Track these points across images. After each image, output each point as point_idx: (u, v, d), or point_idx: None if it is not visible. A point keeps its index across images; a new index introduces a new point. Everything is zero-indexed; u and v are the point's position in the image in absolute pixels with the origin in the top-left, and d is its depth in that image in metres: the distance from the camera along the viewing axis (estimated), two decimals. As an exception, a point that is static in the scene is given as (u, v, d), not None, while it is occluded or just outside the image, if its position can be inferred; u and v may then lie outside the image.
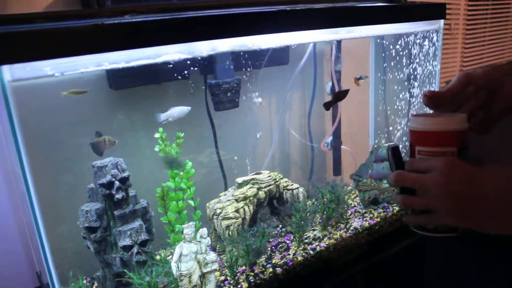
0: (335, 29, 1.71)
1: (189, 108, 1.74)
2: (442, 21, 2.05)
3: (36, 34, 1.11)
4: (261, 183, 1.90)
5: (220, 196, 1.93)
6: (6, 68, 1.12)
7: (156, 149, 1.70)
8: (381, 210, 2.13)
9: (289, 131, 2.33)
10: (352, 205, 2.21)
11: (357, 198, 2.25)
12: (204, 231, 1.61)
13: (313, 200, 2.12)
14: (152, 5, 1.57)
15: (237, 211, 1.79)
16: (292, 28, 1.55)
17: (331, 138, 2.29)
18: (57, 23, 1.36)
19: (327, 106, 2.00)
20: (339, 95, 2.00)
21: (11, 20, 1.25)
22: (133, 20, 1.33)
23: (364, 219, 2.06)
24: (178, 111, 1.73)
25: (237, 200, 1.82)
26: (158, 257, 1.66)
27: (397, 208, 2.13)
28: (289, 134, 2.34)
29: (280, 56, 2.10)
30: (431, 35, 2.12)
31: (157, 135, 1.68)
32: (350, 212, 2.12)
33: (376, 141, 2.42)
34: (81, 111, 1.74)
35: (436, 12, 2.01)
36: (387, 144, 2.18)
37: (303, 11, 1.59)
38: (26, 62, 1.11)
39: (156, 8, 1.54)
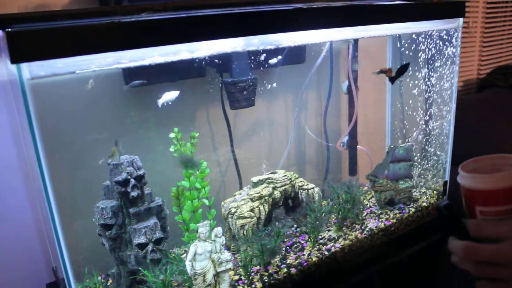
0: (352, 28, 1.68)
1: (178, 92, 1.71)
2: (461, 19, 2.02)
3: (54, 31, 1.11)
4: (276, 183, 1.89)
5: (235, 195, 1.92)
6: (24, 66, 1.12)
7: (171, 149, 1.70)
8: (397, 211, 2.11)
9: (304, 130, 2.32)
10: (368, 205, 2.19)
11: (373, 198, 2.23)
12: (219, 230, 1.60)
13: (329, 200, 2.11)
14: (168, 3, 1.56)
15: (252, 210, 1.78)
16: (309, 26, 1.54)
17: (347, 137, 2.27)
18: (77, 21, 1.36)
19: (392, 80, 2.02)
20: (401, 69, 2.00)
21: (32, 18, 1.25)
22: (151, 18, 1.33)
23: (380, 220, 2.04)
24: (170, 94, 1.72)
25: (252, 200, 1.82)
26: (172, 256, 1.66)
27: (413, 210, 2.11)
28: (305, 133, 2.33)
29: (296, 54, 2.09)
30: (450, 33, 2.09)
31: (172, 135, 1.68)
32: (365, 213, 2.10)
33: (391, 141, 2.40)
34: (97, 108, 1.75)
35: (455, 10, 1.98)
36: (404, 144, 2.16)
37: (320, 9, 1.57)
38: (45, 60, 1.11)
39: (172, 6, 1.54)
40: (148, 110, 1.85)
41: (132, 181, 1.60)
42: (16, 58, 1.07)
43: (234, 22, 1.42)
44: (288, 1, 1.73)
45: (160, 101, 1.68)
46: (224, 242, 1.62)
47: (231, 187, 2.10)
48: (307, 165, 2.40)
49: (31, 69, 1.13)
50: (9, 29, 1.11)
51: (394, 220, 2.04)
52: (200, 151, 1.82)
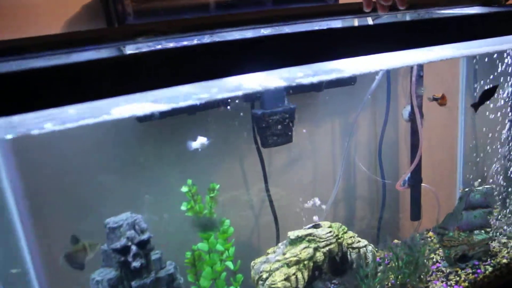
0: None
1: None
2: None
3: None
4: (319, 241, 1.51)
5: (268, 253, 1.56)
6: None
7: (183, 207, 1.35)
8: (470, 271, 1.70)
9: (355, 165, 1.91)
10: (434, 260, 1.78)
11: (440, 250, 1.81)
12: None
13: (385, 257, 1.71)
14: (178, 21, 1.21)
15: (287, 279, 1.42)
16: (358, 51, 1.13)
17: (408, 175, 1.85)
18: (50, 52, 1.04)
19: (475, 107, 1.68)
20: (487, 93, 1.64)
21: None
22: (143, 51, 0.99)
23: (448, 283, 1.64)
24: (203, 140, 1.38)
25: (288, 264, 1.45)
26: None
27: (490, 268, 1.69)
28: (356, 168, 1.92)
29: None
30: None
31: (184, 189, 1.33)
32: (431, 271, 1.69)
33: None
34: (105, 147, 1.45)
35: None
36: (481, 188, 1.73)
37: (375, 28, 1.18)
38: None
39: (182, 26, 1.18)
40: (160, 146, 1.52)
41: (134, 248, 1.29)
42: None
43: (272, 48, 1.03)
44: (329, 14, 1.35)
45: (194, 145, 1.34)
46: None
47: (265, 237, 1.76)
48: (358, 208, 1.99)
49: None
50: None
51: (466, 284, 1.64)
52: (227, 193, 1.53)
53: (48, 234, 1.38)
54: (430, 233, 1.95)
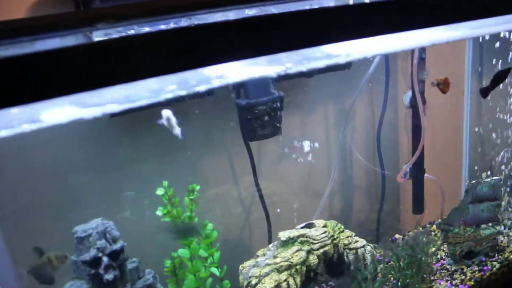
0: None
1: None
2: None
3: None
4: (312, 243, 1.38)
5: (258, 256, 1.44)
6: None
7: (159, 212, 1.21)
8: (476, 268, 1.59)
9: (352, 155, 1.78)
10: (438, 256, 1.66)
11: (445, 245, 1.69)
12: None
13: (383, 254, 1.60)
14: (150, 3, 1.07)
15: (278, 286, 1.30)
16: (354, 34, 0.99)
17: (410, 166, 1.72)
18: (10, 40, 0.90)
19: (484, 93, 1.53)
20: (498, 77, 1.49)
21: None
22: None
23: (453, 282, 1.53)
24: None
25: (278, 270, 1.33)
26: None
27: (497, 265, 1.58)
28: (353, 158, 1.79)
29: (339, 59, 1.55)
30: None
31: (160, 192, 1.20)
32: (434, 270, 1.58)
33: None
34: (73, 146, 1.32)
35: None
36: (488, 179, 1.60)
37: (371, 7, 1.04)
38: None
39: (149, 10, 1.03)
40: (134, 143, 1.38)
41: (105, 259, 1.16)
42: None
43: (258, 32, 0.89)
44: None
45: (165, 122, 1.18)
46: None
47: (256, 236, 1.66)
48: (356, 201, 1.86)
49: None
50: None
51: (472, 282, 1.54)
52: (212, 189, 1.44)
53: (15, 244, 1.26)
54: (434, 227, 1.83)
